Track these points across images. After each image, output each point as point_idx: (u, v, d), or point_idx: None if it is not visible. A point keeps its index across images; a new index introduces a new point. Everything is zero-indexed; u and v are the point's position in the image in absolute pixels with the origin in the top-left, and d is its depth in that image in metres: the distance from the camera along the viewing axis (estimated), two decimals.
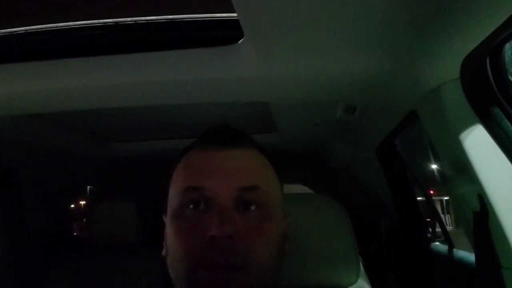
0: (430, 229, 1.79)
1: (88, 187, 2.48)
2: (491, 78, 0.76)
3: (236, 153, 0.59)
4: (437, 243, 1.63)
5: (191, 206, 0.56)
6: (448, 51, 0.72)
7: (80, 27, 0.84)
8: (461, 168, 0.79)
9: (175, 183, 0.60)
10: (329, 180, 2.48)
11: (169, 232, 0.58)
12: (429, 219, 1.83)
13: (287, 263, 0.75)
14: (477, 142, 0.76)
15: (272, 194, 0.60)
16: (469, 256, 1.22)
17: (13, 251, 1.62)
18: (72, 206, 2.56)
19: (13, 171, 1.60)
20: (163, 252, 0.61)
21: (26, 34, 0.84)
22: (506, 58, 0.77)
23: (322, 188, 2.68)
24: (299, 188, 2.88)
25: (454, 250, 1.40)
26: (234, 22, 0.73)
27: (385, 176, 1.62)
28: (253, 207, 0.56)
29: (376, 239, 1.94)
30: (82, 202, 3.07)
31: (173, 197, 0.59)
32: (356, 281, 0.84)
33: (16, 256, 1.62)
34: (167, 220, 0.60)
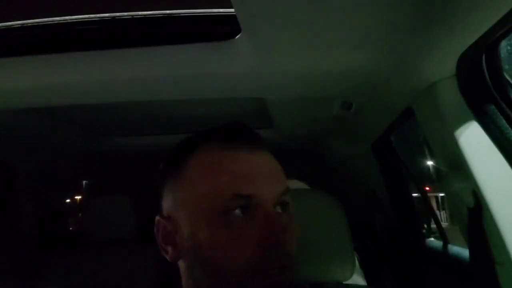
0: (425, 225, 1.80)
1: (84, 181, 2.48)
2: (487, 75, 0.76)
3: (266, 156, 0.61)
4: (432, 239, 1.64)
5: (237, 212, 0.55)
6: (444, 48, 0.72)
7: (77, 21, 0.83)
8: (456, 164, 0.79)
9: (204, 185, 0.57)
10: (325, 176, 2.48)
11: (211, 237, 0.55)
12: (424, 215, 1.84)
13: None
14: (472, 139, 0.76)
15: None
16: (463, 252, 1.23)
17: (7, 246, 1.61)
18: (68, 200, 2.56)
19: (7, 165, 1.60)
20: (170, 255, 0.59)
21: (23, 28, 0.83)
22: (502, 55, 0.77)
23: (318, 184, 2.68)
24: (295, 184, 2.88)
25: (449, 245, 1.41)
26: (231, 18, 0.73)
27: (380, 172, 1.62)
28: (287, 209, 0.59)
29: (372, 234, 1.94)
30: (78, 197, 3.07)
31: (208, 201, 0.56)
32: (351, 276, 0.84)
33: (10, 251, 1.62)
34: (196, 224, 0.56)
